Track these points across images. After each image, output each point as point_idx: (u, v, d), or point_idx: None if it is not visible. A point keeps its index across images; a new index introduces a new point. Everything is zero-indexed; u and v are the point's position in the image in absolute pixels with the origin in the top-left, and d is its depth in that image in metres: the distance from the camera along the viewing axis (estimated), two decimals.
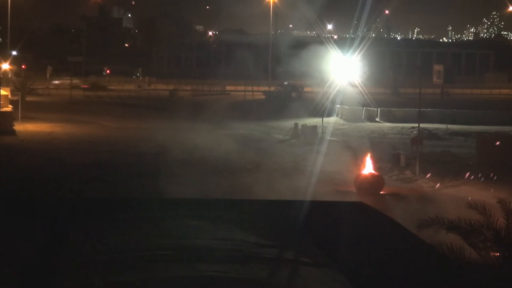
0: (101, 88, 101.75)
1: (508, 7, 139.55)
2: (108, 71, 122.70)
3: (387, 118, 72.80)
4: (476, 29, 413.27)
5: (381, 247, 11.70)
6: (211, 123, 60.92)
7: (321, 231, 12.52)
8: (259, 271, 10.08)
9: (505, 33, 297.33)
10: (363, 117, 73.20)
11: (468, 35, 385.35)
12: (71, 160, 43.68)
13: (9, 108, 63.23)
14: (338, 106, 73.97)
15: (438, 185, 38.82)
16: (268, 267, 10.33)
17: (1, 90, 63.60)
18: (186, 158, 42.22)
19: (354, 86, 70.95)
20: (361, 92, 72.06)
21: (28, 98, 77.41)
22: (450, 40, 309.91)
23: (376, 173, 38.20)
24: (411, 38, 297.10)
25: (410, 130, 63.09)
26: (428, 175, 40.89)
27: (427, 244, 12.10)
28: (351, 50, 70.37)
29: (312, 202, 16.27)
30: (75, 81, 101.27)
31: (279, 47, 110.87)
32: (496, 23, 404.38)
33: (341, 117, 73.77)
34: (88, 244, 11.36)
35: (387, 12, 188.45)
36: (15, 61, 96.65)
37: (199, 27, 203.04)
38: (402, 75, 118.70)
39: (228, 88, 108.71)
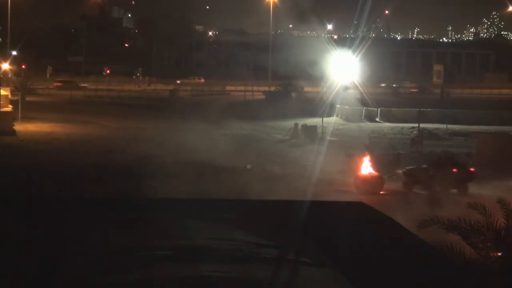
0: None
1: (508, 7, 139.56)
2: (108, 71, 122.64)
3: (387, 118, 72.80)
4: (476, 29, 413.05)
5: (381, 247, 11.70)
6: (211, 123, 60.99)
7: (321, 231, 12.52)
8: (259, 271, 10.08)
9: (505, 33, 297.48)
10: (363, 117, 73.20)
11: (468, 35, 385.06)
12: (71, 160, 43.66)
13: (9, 108, 63.18)
14: (338, 106, 74.02)
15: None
16: (268, 267, 10.33)
17: (1, 90, 63.53)
18: (186, 158, 42.22)
19: (354, 86, 71.03)
20: (361, 92, 72.14)
21: (28, 98, 77.38)
22: (450, 40, 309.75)
23: (376, 173, 38.17)
24: (411, 38, 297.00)
25: (410, 130, 63.08)
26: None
27: (427, 244, 12.10)
28: (351, 50, 70.46)
29: (312, 202, 16.27)
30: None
31: (279, 47, 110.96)
32: (496, 23, 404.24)
33: (341, 117, 73.77)
34: (88, 244, 11.36)
35: (387, 12, 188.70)
36: (15, 61, 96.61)
37: (199, 27, 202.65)
38: (402, 75, 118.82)
39: (228, 88, 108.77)
